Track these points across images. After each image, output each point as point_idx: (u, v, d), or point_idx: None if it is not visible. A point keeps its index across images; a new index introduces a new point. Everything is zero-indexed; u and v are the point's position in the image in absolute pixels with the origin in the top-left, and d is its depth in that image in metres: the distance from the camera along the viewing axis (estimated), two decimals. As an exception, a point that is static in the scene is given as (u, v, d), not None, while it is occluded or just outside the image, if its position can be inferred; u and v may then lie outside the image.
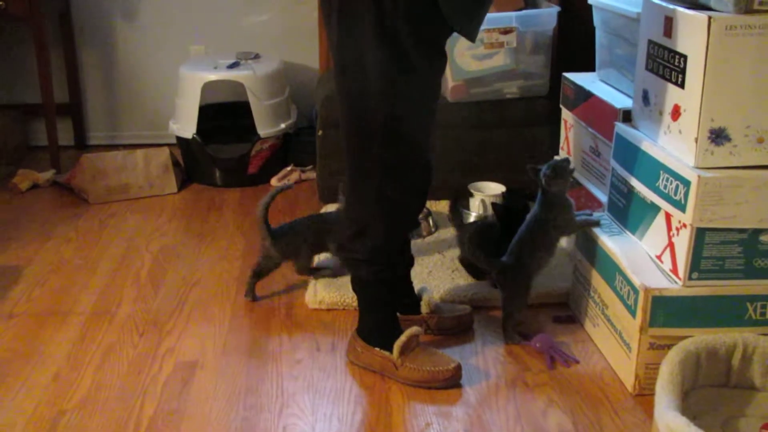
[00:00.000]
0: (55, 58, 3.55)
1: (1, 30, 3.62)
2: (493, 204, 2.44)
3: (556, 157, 2.24)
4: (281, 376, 2.02)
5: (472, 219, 2.79)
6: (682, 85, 1.85)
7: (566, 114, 2.65)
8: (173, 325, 2.26)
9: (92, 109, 3.80)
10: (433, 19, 1.74)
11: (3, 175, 3.36)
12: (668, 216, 1.90)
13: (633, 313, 1.90)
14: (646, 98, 2.04)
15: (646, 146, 1.99)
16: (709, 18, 1.72)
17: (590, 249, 2.16)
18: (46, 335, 2.20)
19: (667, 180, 1.88)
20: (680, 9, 1.84)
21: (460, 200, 2.41)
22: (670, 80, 1.90)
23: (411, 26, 1.73)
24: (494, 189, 2.86)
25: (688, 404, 1.76)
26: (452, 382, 1.96)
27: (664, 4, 1.91)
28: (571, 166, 2.11)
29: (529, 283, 2.11)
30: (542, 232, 2.10)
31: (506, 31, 2.80)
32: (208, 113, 3.35)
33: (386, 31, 1.72)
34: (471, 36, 1.84)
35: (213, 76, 3.27)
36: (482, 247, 2.13)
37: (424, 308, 2.17)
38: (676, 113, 1.88)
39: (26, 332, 2.22)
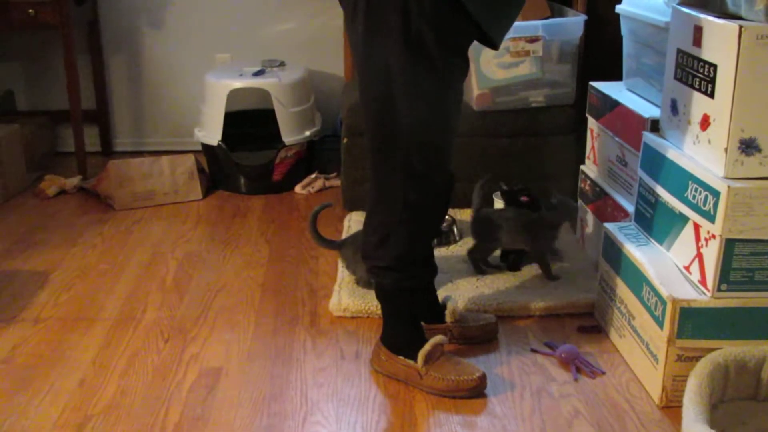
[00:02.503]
0: (83, 66, 3.59)
1: (31, 37, 3.67)
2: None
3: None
4: (305, 383, 2.02)
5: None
6: (711, 95, 1.83)
7: (592, 123, 2.64)
8: (198, 331, 2.26)
9: (119, 116, 3.84)
10: (458, 24, 1.75)
11: (31, 180, 3.40)
12: (697, 226, 1.88)
13: (660, 325, 1.88)
14: (674, 108, 2.02)
15: (675, 156, 1.97)
16: (740, 27, 1.71)
17: (617, 259, 2.14)
18: (72, 341, 2.22)
19: (696, 190, 1.86)
20: (710, 18, 1.83)
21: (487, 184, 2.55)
22: (699, 90, 1.88)
23: (436, 31, 1.73)
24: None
25: (716, 417, 1.74)
26: (477, 391, 1.95)
27: (693, 13, 1.90)
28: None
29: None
30: None
31: (532, 40, 2.80)
32: (233, 120, 3.36)
33: (412, 36, 1.72)
34: (496, 39, 1.83)
35: (238, 84, 3.29)
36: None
37: (448, 317, 2.16)
38: (705, 123, 1.87)
39: (52, 337, 2.23)
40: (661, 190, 2.03)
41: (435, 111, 1.82)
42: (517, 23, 2.77)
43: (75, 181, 3.32)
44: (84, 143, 3.43)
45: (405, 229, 1.92)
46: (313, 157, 3.48)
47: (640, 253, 2.04)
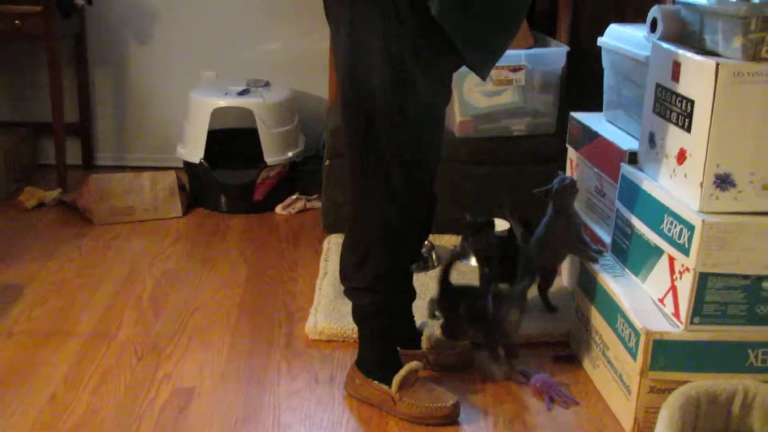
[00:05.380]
0: (67, 79, 3.58)
1: (16, 48, 3.66)
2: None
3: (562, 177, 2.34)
4: (278, 406, 2.01)
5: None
6: (688, 130, 1.85)
7: (572, 153, 2.66)
8: (172, 350, 2.25)
9: (101, 130, 3.82)
10: (439, 50, 1.76)
11: (10, 192, 3.38)
12: (671, 259, 1.90)
13: (634, 356, 1.89)
14: (652, 141, 2.04)
15: (651, 189, 1.99)
16: (717, 64, 1.74)
17: (592, 290, 2.16)
18: (44, 355, 2.20)
19: (672, 223, 1.88)
20: (689, 54, 1.86)
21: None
22: (676, 124, 1.91)
23: (418, 56, 1.75)
24: (499, 225, 2.86)
25: (687, 450, 1.75)
26: (450, 419, 1.95)
27: (673, 49, 1.93)
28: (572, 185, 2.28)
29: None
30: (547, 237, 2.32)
31: (515, 69, 2.82)
32: (216, 139, 3.36)
33: (394, 60, 1.74)
34: (482, 69, 1.85)
35: (223, 102, 3.29)
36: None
37: (424, 343, 2.16)
38: (681, 157, 1.89)
39: (25, 352, 2.21)
40: (637, 222, 2.05)
41: (416, 133, 1.83)
42: (500, 52, 2.82)
43: (54, 194, 3.30)
44: (65, 156, 3.42)
45: (384, 250, 1.92)
46: (295, 177, 3.48)
47: (616, 284, 2.06)
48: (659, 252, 1.95)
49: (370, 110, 1.80)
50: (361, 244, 1.94)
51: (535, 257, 2.36)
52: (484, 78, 1.88)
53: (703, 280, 1.82)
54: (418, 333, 2.17)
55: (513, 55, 2.82)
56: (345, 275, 2.00)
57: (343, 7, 1.77)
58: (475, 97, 2.84)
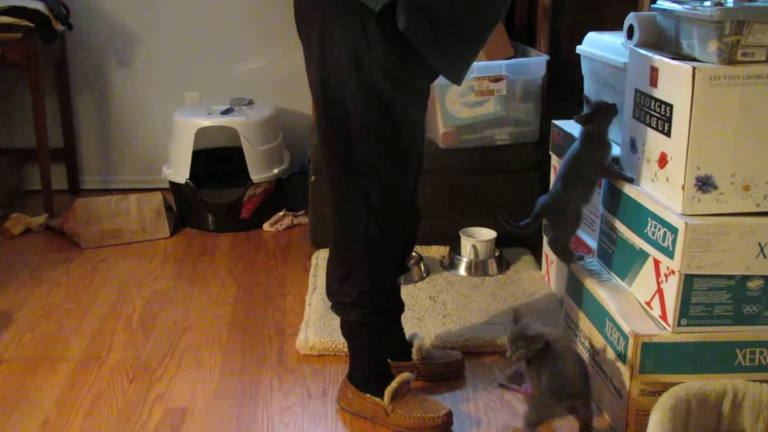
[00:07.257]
0: (50, 103, 3.58)
1: (-2, 76, 3.67)
2: None
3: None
4: (272, 422, 2.01)
5: (464, 263, 2.81)
6: (668, 134, 1.88)
7: (555, 160, 2.68)
8: (164, 370, 2.25)
9: (86, 154, 3.83)
10: (410, 63, 1.76)
11: (-4, 219, 3.38)
12: (657, 262, 1.91)
13: (623, 360, 1.90)
14: (633, 146, 2.07)
15: (634, 193, 2.01)
16: (694, 69, 1.76)
17: (579, 295, 2.17)
18: (35, 381, 2.19)
19: (655, 227, 1.90)
20: (666, 60, 1.88)
21: None
22: (656, 129, 1.93)
23: (388, 72, 1.75)
24: (485, 234, 2.88)
25: (679, 451, 1.76)
26: (443, 429, 1.95)
27: (650, 54, 1.95)
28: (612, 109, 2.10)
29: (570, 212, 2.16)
30: (577, 168, 2.13)
31: (496, 79, 2.85)
32: (201, 158, 3.37)
33: (364, 77, 1.74)
34: (455, 78, 1.85)
35: (207, 122, 3.30)
36: None
37: (415, 354, 2.17)
38: (663, 161, 1.91)
39: (15, 378, 2.21)
40: (621, 227, 2.07)
41: (391, 148, 1.83)
42: (481, 63, 2.85)
43: (41, 219, 3.30)
44: (51, 181, 3.41)
45: (368, 265, 1.93)
46: (281, 194, 3.49)
47: (603, 288, 2.07)
48: (644, 255, 1.97)
49: (345, 127, 1.80)
50: (345, 260, 1.95)
51: (562, 200, 2.16)
52: (458, 84, 1.88)
53: (688, 282, 1.84)
54: (408, 345, 2.18)
55: (494, 65, 2.85)
56: (331, 291, 2.01)
57: (313, 24, 1.77)
58: (458, 109, 2.86)
